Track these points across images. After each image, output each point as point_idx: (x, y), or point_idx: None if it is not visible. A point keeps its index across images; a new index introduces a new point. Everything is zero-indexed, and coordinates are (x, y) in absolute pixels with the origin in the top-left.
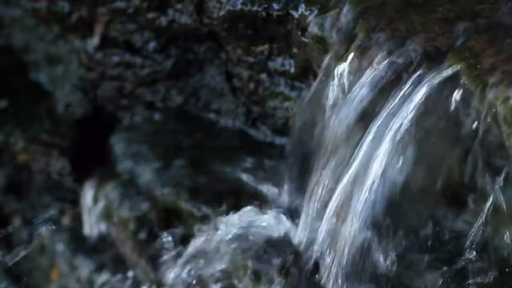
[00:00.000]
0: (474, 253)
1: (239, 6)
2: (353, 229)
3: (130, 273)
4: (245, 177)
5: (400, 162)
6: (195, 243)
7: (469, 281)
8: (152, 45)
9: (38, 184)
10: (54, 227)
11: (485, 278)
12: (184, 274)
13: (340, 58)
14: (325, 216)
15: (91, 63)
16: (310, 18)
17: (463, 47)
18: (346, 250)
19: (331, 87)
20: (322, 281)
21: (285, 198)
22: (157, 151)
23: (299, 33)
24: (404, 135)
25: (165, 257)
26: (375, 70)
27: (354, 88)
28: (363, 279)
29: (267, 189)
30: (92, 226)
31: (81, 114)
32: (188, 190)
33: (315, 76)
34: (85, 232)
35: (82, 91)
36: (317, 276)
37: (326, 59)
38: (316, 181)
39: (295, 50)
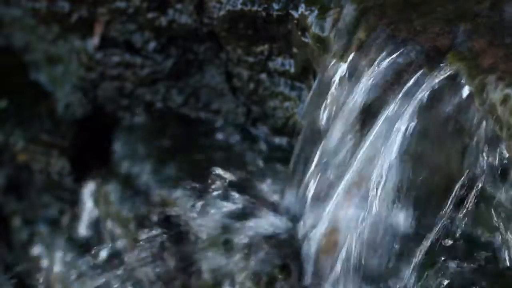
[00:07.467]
0: (473, 251)
1: (239, 6)
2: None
3: (130, 273)
4: (245, 176)
5: (401, 165)
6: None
7: (468, 281)
8: (152, 45)
9: (38, 184)
10: (53, 227)
11: (484, 277)
12: None
13: (341, 58)
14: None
15: (91, 63)
16: (310, 18)
17: (463, 47)
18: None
19: (331, 87)
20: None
21: (287, 197)
22: (157, 151)
23: (299, 33)
24: (406, 136)
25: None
26: (375, 70)
27: (355, 88)
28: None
29: (268, 188)
30: (92, 226)
31: (81, 114)
32: (188, 190)
33: (315, 76)
34: (85, 232)
35: (82, 91)
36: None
37: (326, 59)
38: (319, 179)
39: (295, 50)
